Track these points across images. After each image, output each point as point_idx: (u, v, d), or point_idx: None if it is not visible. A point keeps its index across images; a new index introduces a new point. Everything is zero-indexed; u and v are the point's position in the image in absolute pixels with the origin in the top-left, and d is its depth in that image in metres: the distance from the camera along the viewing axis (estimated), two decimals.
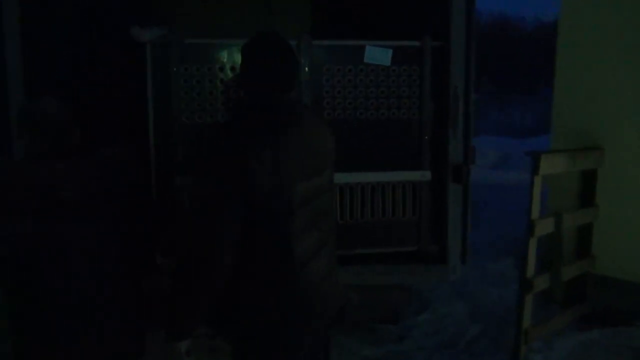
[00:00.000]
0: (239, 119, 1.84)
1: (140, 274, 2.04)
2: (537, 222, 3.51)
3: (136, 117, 2.68)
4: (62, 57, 2.95)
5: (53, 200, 1.74)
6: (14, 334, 1.82)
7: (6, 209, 1.71)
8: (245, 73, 1.87)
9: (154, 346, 2.01)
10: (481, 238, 6.12)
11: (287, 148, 1.76)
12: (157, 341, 1.92)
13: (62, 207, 1.75)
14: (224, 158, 1.72)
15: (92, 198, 1.80)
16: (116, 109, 2.92)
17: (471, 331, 3.90)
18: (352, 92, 2.84)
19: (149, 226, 2.13)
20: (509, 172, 9.40)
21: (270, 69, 1.81)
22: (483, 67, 41.22)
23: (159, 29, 2.60)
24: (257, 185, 1.70)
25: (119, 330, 1.90)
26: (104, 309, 1.86)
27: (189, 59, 2.66)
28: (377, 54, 2.82)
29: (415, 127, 2.90)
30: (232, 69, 2.70)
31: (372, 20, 3.98)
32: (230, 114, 2.65)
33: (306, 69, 2.75)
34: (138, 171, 2.05)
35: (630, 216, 3.94)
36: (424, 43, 2.85)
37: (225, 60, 2.69)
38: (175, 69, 2.63)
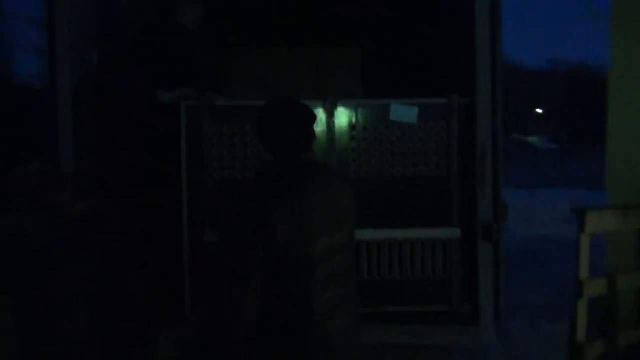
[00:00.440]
0: (261, 179, 1.96)
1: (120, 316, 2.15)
2: (586, 282, 3.31)
3: (170, 174, 2.84)
4: (111, 122, 3.21)
5: (25, 248, 2.00)
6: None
7: None
8: (261, 136, 1.99)
9: None
10: (543, 298, 5.83)
11: (306, 205, 1.84)
12: None
13: (34, 255, 1.99)
14: (247, 217, 1.83)
15: (59, 245, 2.01)
16: (153, 167, 3.11)
17: None
18: (379, 150, 2.87)
19: (127, 276, 2.25)
20: None
21: (283, 131, 1.93)
22: (563, 118, 40.00)
23: (182, 92, 2.77)
24: (279, 242, 1.78)
25: None
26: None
27: (220, 119, 2.82)
28: (403, 112, 2.85)
29: (444, 184, 2.88)
30: None
31: (423, 78, 4.05)
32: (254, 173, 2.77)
33: (332, 128, 2.83)
34: (112, 224, 2.20)
35: None
36: (450, 100, 2.86)
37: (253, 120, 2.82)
38: (207, 128, 2.80)
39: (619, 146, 4.09)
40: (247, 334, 1.81)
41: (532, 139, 35.31)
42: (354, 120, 2.87)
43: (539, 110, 42.19)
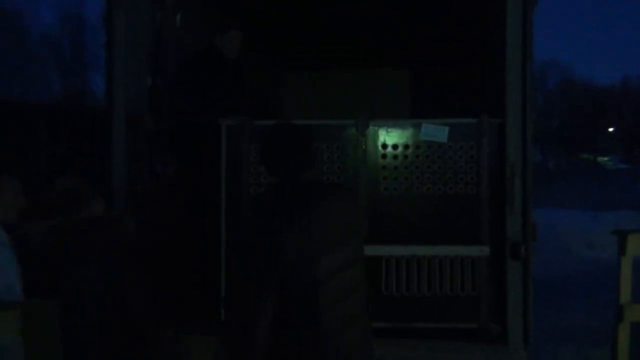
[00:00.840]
0: (267, 201, 2.07)
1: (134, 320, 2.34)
2: (626, 306, 3.23)
3: (209, 190, 3.04)
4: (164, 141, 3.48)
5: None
6: None
7: None
8: (263, 160, 2.12)
9: None
10: (597, 323, 5.62)
11: (312, 222, 1.93)
12: None
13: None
14: (258, 237, 1.95)
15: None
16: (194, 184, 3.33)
17: None
18: (410, 168, 2.95)
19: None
20: None
21: (281, 154, 2.04)
22: (635, 137, 38.08)
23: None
24: (288, 260, 1.88)
25: None
26: None
27: (258, 138, 2.99)
28: (434, 132, 2.93)
29: (473, 202, 2.92)
30: None
31: (464, 98, 4.11)
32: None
33: (363, 146, 2.94)
34: (125, 232, 2.39)
35: None
36: (481, 120, 2.91)
37: None
38: (245, 147, 2.98)
39: None
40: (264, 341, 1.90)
41: (602, 159, 33.87)
42: (385, 139, 2.97)
43: (611, 129, 40.43)
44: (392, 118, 3.10)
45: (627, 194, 18.08)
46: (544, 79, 40.65)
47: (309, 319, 1.90)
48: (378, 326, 2.91)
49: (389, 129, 2.97)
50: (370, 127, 2.96)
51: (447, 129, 2.92)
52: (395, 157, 2.96)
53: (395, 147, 2.96)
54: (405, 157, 2.95)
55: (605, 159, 35.00)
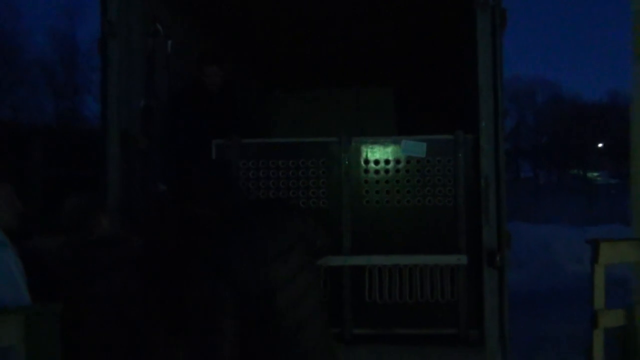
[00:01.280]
0: (213, 231, 2.18)
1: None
2: (600, 312, 3.37)
3: None
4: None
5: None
6: None
7: None
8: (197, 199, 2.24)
9: None
10: (581, 333, 5.75)
11: (253, 239, 2.08)
12: None
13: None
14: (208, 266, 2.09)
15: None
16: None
17: None
18: (391, 182, 3.12)
19: None
20: None
21: (205, 190, 2.19)
22: (624, 152, 38.46)
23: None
24: (238, 277, 2.02)
25: None
26: None
27: (246, 155, 3.15)
28: (413, 147, 3.10)
29: (451, 214, 3.08)
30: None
31: (442, 116, 4.29)
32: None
33: (346, 162, 3.11)
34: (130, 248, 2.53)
35: None
36: (456, 136, 3.08)
37: (277, 155, 3.15)
38: (235, 163, 3.14)
39: None
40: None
41: (592, 175, 34.24)
42: (367, 155, 3.14)
43: (600, 145, 40.93)
44: (378, 135, 3.27)
45: (616, 208, 18.31)
46: (533, 96, 41.26)
47: (268, 326, 2.05)
48: (362, 333, 3.07)
49: (370, 146, 3.14)
50: (353, 144, 3.13)
51: (425, 144, 3.10)
52: (377, 172, 3.12)
53: (376, 162, 3.13)
54: (387, 171, 3.12)
55: (595, 174, 35.37)
